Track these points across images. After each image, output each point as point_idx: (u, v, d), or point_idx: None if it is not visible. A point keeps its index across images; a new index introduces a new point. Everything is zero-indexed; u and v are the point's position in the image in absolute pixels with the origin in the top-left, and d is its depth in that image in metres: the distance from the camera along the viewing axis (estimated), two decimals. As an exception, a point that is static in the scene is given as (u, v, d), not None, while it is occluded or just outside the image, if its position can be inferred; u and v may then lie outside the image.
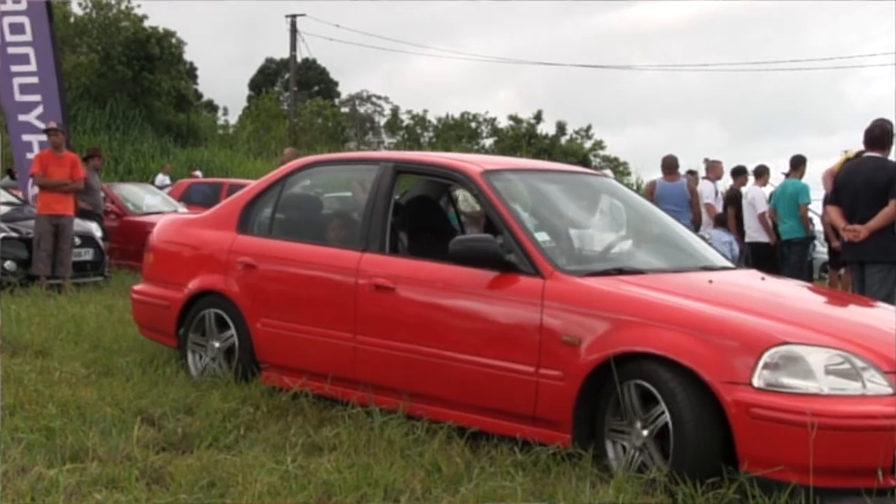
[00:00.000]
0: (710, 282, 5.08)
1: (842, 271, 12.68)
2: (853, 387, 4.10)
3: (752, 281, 5.52)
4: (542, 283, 4.83)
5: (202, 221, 6.69)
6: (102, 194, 13.55)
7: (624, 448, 4.48)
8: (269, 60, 48.89)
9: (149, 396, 5.45)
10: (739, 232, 12.46)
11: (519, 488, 4.10)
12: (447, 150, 36.04)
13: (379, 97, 49.32)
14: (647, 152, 66.71)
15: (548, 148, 40.74)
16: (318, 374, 5.59)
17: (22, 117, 13.53)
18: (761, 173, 12.82)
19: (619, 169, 40.13)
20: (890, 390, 4.10)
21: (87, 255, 11.79)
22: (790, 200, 11.89)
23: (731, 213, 12.56)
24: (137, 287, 6.95)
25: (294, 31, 36.68)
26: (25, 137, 13.44)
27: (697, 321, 4.40)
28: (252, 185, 6.77)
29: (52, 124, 11.80)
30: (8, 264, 10.90)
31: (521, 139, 41.63)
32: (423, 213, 6.24)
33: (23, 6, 13.51)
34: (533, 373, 4.74)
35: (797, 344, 4.18)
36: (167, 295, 6.44)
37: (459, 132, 44.11)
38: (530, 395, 4.74)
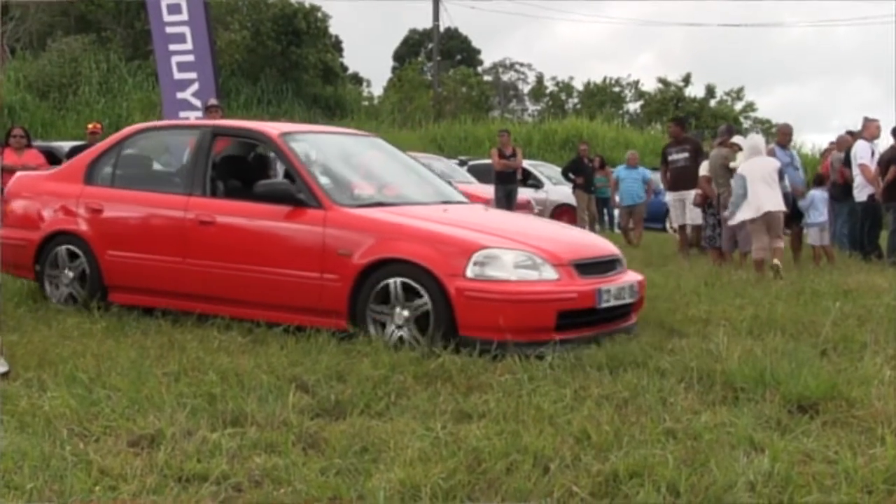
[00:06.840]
0: (445, 210, 7.07)
1: None
2: (533, 275, 6.18)
3: (476, 211, 7.74)
4: (324, 213, 6.63)
5: (52, 176, 8.30)
6: None
7: (383, 326, 6.27)
8: (413, 31, 49.17)
9: (302, 364, 5.60)
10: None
11: (670, 456, 4.01)
12: (591, 117, 35.54)
13: (521, 64, 49.02)
14: (797, 112, 64.13)
15: (696, 111, 39.50)
16: (156, 290, 7.22)
17: (179, 95, 14.07)
18: (926, 131, 12.19)
19: (770, 132, 38.46)
20: (556, 276, 6.22)
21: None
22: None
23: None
24: None
25: (436, 0, 36.78)
26: (183, 114, 13.93)
27: (430, 236, 6.39)
28: (96, 146, 8.50)
29: (213, 101, 12.20)
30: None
31: (668, 103, 40.57)
32: (233, 166, 7.68)
33: (179, -13, 14.01)
34: (318, 277, 6.53)
35: (495, 248, 6.22)
36: (25, 236, 7.85)
37: (603, 97, 43.33)
38: (316, 294, 6.52)
